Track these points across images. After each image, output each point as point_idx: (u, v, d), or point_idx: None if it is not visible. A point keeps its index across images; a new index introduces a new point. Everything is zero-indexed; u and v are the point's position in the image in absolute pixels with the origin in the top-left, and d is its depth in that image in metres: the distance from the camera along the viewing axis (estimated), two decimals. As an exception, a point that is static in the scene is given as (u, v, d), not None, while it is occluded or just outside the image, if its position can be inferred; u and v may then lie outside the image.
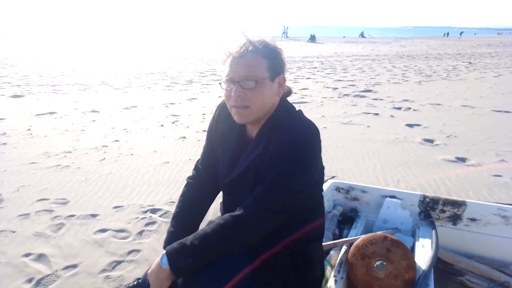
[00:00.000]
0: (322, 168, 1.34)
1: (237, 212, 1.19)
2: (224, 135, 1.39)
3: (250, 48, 1.20)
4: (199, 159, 1.56)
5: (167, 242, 1.40)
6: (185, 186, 1.53)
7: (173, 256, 1.16)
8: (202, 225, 1.41)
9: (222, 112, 1.42)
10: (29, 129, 4.89)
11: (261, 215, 1.18)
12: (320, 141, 1.24)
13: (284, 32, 37.34)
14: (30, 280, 2.00)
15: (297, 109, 1.32)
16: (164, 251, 1.20)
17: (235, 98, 1.20)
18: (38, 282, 2.00)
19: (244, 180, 1.27)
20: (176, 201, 1.53)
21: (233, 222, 1.17)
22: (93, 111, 5.96)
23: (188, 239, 1.18)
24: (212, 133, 1.46)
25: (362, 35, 45.74)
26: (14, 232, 2.46)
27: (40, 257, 2.20)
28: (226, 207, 1.41)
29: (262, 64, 1.20)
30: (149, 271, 1.22)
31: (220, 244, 1.17)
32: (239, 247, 1.20)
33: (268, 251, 1.26)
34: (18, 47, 19.17)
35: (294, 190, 1.20)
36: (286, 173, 1.18)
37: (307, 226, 1.32)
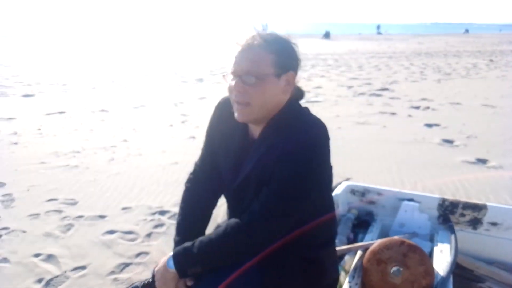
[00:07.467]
0: (330, 167, 1.25)
1: (243, 220, 1.14)
2: (226, 136, 1.33)
3: (256, 42, 1.14)
4: (196, 162, 1.48)
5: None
6: (185, 191, 1.45)
7: (180, 263, 1.17)
8: (210, 227, 1.38)
9: (223, 112, 1.35)
10: (39, 129, 4.94)
11: (268, 221, 1.13)
12: (328, 139, 1.16)
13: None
14: (40, 281, 2.01)
15: (303, 106, 1.25)
16: (171, 254, 1.20)
17: (236, 93, 1.15)
18: (48, 282, 2.00)
19: (249, 183, 1.21)
20: None
21: (238, 230, 1.13)
22: (102, 110, 6.00)
23: (195, 245, 1.16)
24: (213, 133, 1.40)
25: (378, 28, 44.67)
26: (24, 231, 2.48)
27: (50, 258, 2.21)
28: (232, 211, 1.36)
29: (267, 59, 1.13)
30: (155, 269, 1.23)
31: (228, 252, 1.15)
32: (249, 254, 1.16)
33: (275, 255, 1.19)
34: (29, 47, 19.57)
35: (301, 194, 1.14)
36: (292, 177, 1.11)
37: (315, 229, 1.24)
